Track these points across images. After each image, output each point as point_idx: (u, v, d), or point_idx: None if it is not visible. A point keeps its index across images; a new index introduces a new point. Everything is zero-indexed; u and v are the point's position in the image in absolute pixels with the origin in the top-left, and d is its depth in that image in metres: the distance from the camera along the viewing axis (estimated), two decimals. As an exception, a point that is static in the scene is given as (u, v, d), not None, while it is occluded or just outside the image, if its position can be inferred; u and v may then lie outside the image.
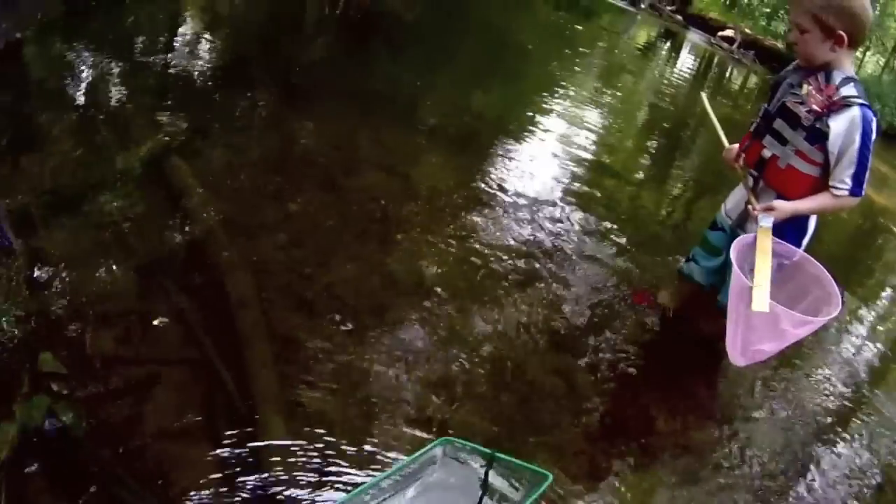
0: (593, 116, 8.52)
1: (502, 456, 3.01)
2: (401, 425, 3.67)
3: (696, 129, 9.91)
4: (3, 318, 3.53)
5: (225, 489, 3.16)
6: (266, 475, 3.25)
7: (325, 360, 3.93)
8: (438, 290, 4.71)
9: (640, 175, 7.52)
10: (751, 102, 12.09)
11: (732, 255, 3.63)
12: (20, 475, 3.02)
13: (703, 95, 4.89)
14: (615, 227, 6.16)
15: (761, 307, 3.35)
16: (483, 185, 6.15)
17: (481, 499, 3.03)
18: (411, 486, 2.98)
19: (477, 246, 5.26)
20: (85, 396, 3.36)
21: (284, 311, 4.17)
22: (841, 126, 3.56)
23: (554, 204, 6.21)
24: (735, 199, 4.28)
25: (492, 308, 4.72)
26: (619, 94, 10.26)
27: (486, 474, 3.02)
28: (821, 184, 3.77)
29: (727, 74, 14.61)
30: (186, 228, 4.57)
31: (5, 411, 3.18)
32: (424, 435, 3.60)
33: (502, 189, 6.17)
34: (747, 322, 3.57)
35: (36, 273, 3.94)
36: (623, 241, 5.96)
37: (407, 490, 2.96)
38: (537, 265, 5.28)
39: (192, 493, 3.12)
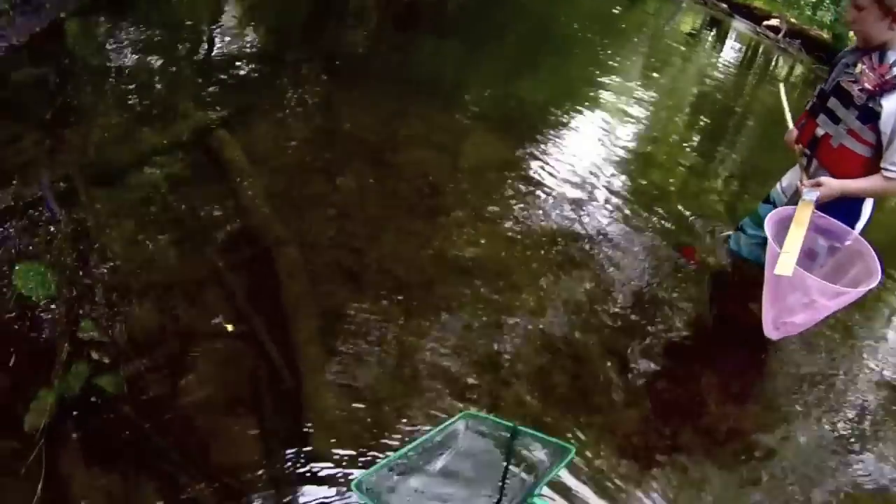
0: (639, 103, 8.22)
1: (525, 429, 2.86)
2: (449, 401, 3.49)
3: (744, 116, 9.59)
4: (44, 288, 3.38)
5: (268, 462, 3.00)
6: (311, 448, 3.08)
7: (373, 335, 3.75)
8: (489, 266, 4.49)
9: (687, 161, 7.19)
10: (797, 91, 11.70)
11: (767, 225, 3.59)
12: (59, 444, 2.86)
13: (781, 86, 4.76)
14: (662, 210, 5.86)
15: (784, 271, 3.31)
16: (530, 166, 5.88)
17: (505, 472, 2.89)
18: (435, 460, 2.83)
19: (527, 224, 5.04)
20: (126, 366, 3.20)
21: (332, 284, 3.99)
22: (893, 106, 3.43)
23: (600, 187, 5.91)
24: (791, 177, 4.21)
25: (543, 286, 4.50)
26: (665, 80, 9.96)
27: (510, 448, 2.88)
28: (872, 165, 3.65)
29: (773, 63, 14.21)
30: (232, 201, 4.39)
31: (44, 379, 3.03)
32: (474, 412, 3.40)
33: (549, 170, 5.87)
34: (779, 293, 3.53)
35: (79, 244, 3.78)
36: (670, 224, 5.67)
37: (431, 464, 2.82)
38: (587, 245, 4.99)
39: (235, 466, 2.95)
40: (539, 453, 2.91)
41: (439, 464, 2.83)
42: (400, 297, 4.03)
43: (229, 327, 3.55)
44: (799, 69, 14.06)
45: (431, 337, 3.85)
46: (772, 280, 3.53)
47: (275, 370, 3.38)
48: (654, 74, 9.96)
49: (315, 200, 4.62)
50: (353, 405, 3.33)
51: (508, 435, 2.87)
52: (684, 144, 7.76)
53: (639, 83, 9.02)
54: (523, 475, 2.91)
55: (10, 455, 2.80)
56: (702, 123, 8.64)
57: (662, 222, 5.57)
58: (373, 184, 4.97)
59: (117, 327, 3.36)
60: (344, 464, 3.05)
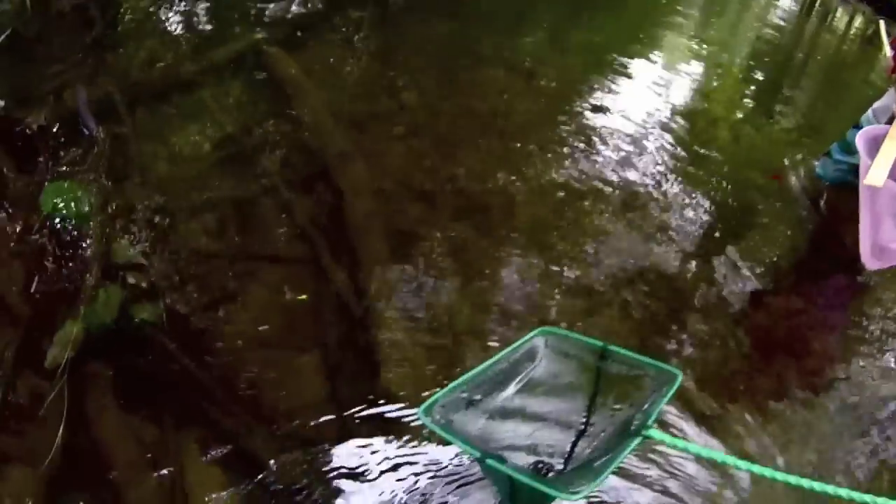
0: (699, 45, 7.36)
1: (616, 349, 2.23)
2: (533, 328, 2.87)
3: (805, 62, 8.63)
4: (76, 207, 2.82)
5: (332, 402, 2.44)
6: (380, 385, 2.53)
7: (448, 258, 3.16)
8: (573, 188, 3.85)
9: (746, 108, 6.35)
10: (856, 43, 10.65)
11: (859, 141, 3.24)
12: (86, 383, 2.30)
13: (881, 23, 4.57)
14: (737, 144, 5.07)
15: (875, 181, 3.00)
16: (606, 88, 5.13)
17: (592, 400, 2.29)
18: (511, 382, 2.25)
19: (614, 148, 4.32)
20: (167, 293, 2.62)
21: (403, 203, 3.41)
22: None
23: (669, 121, 5.10)
24: (885, 101, 3.87)
25: (628, 212, 3.83)
26: (722, 28, 9.07)
27: (598, 371, 2.27)
28: None
29: (832, 14, 13.12)
30: (289, 117, 3.79)
31: (72, 309, 2.47)
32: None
33: (622, 96, 5.12)
34: (874, 215, 3.19)
35: (118, 161, 3.21)
36: (747, 156, 4.86)
37: (507, 386, 2.23)
38: (666, 173, 4.26)
39: (292, 408, 2.38)
40: (635, 379, 2.26)
41: (515, 388, 2.25)
42: (477, 219, 3.44)
43: (302, 297, 2.89)
44: (859, 20, 13.00)
45: (511, 261, 3.27)
46: (867, 202, 3.17)
47: (339, 297, 2.82)
48: (710, 24, 9.07)
49: (380, 117, 4.01)
50: (428, 335, 2.79)
51: (597, 356, 2.26)
52: (738, 108, 6.88)
53: (695, 31, 8.14)
54: (613, 404, 2.28)
55: (29, 395, 2.26)
56: (758, 80, 7.71)
57: (737, 155, 4.81)
58: (443, 101, 4.34)
59: (158, 249, 2.78)
60: (417, 401, 2.45)
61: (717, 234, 3.92)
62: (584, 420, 2.29)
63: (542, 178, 3.86)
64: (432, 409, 1.95)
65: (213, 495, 2.16)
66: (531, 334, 2.28)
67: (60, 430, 2.16)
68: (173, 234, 2.88)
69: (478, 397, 2.13)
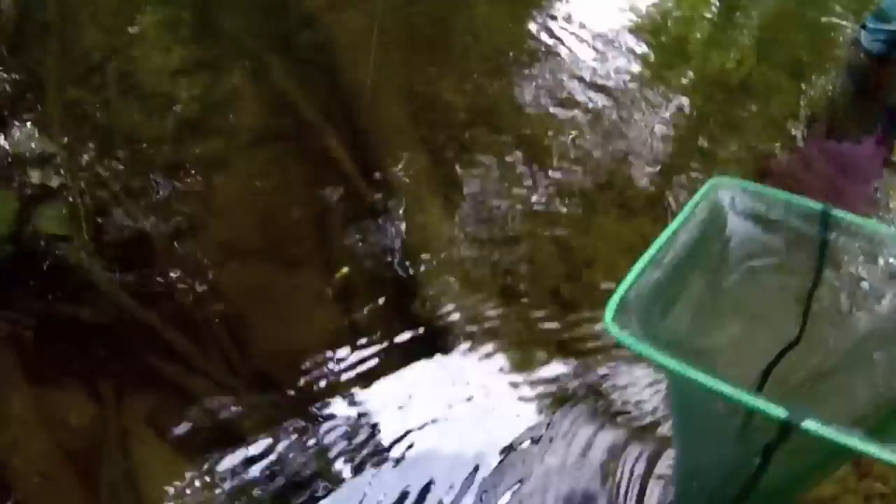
0: None
1: (846, 214, 1.39)
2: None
3: None
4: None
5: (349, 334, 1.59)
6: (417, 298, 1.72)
7: (477, 123, 2.28)
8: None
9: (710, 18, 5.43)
10: None
11: None
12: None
13: None
14: None
15: None
16: None
17: (814, 288, 1.46)
18: (696, 265, 1.41)
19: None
20: (89, 193, 1.66)
21: (416, 54, 2.50)
22: None
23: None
24: None
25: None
26: None
27: (822, 244, 1.43)
28: None
29: None
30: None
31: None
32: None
33: None
34: None
35: (26, 24, 2.24)
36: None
37: (692, 270, 1.39)
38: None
39: (290, 351, 1.54)
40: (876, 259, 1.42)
41: (701, 275, 1.42)
42: (503, 70, 2.55)
43: (344, 270, 1.83)
44: None
45: (552, 123, 2.36)
46: None
47: (347, 184, 1.91)
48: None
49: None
50: (474, 228, 1.97)
51: (816, 223, 1.42)
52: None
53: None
54: (846, 296, 1.45)
55: None
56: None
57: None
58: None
59: (75, 133, 1.81)
60: (471, 322, 1.72)
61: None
62: (801, 318, 1.48)
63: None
64: (623, 310, 1.12)
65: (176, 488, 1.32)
66: (705, 189, 1.42)
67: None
68: (98, 112, 1.90)
69: (662, 286, 1.31)
